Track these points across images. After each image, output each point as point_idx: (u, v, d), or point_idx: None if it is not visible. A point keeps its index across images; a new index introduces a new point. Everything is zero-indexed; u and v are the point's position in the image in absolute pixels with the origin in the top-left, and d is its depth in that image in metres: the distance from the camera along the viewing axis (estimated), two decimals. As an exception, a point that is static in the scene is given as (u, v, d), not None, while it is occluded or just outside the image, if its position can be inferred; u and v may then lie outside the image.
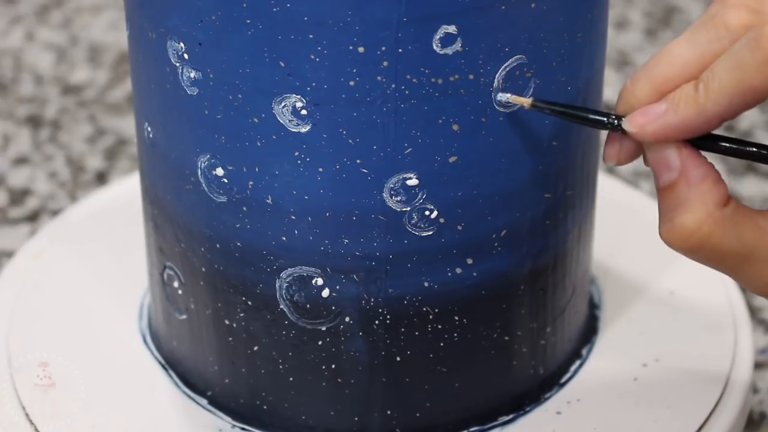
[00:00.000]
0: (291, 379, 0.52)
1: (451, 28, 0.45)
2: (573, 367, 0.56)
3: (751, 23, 0.42)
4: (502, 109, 0.47)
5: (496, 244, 0.50)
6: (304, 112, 0.46)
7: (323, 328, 0.50)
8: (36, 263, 0.62)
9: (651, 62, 0.43)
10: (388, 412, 0.52)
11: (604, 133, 0.47)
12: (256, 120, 0.47)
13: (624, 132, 0.44)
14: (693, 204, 0.42)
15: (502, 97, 0.47)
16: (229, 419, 0.54)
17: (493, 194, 0.49)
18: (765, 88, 0.41)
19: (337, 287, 0.49)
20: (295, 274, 0.49)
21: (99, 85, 0.88)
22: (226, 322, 0.52)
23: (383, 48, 0.45)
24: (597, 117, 0.45)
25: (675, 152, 0.43)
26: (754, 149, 0.43)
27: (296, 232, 0.48)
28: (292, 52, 0.45)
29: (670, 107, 0.42)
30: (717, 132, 0.44)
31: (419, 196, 0.48)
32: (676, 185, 0.43)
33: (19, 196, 0.77)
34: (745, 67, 0.40)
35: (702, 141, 0.43)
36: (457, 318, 0.51)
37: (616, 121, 0.45)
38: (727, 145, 0.43)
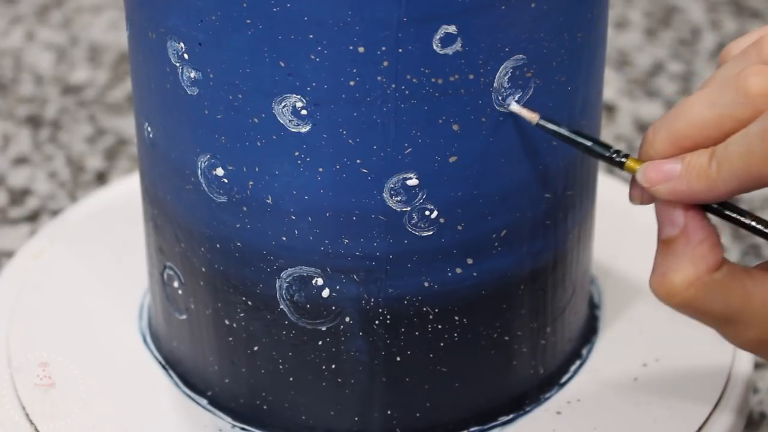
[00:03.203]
0: (291, 379, 0.52)
1: (451, 28, 0.45)
2: (573, 367, 0.56)
3: None
4: (502, 109, 0.47)
5: (496, 244, 0.50)
6: (304, 112, 0.46)
7: (323, 328, 0.50)
8: (36, 263, 0.62)
9: (671, 116, 0.44)
10: (388, 412, 0.52)
11: (604, 133, 0.47)
12: (256, 120, 0.47)
13: (623, 169, 0.45)
14: (686, 264, 0.44)
15: (512, 106, 0.47)
16: (229, 419, 0.54)
17: (493, 194, 0.49)
18: None
19: (337, 287, 0.49)
20: (295, 274, 0.49)
21: (99, 85, 0.88)
22: (226, 322, 0.52)
23: (383, 48, 0.45)
24: (600, 150, 0.46)
25: (681, 211, 0.44)
26: (760, 226, 0.44)
27: (296, 232, 0.48)
28: (292, 52, 0.45)
29: (682, 174, 0.43)
30: None
31: (419, 196, 0.48)
32: (675, 242, 0.44)
33: (19, 196, 0.77)
34: (754, 156, 0.41)
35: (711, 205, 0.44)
36: (457, 318, 0.51)
37: (616, 157, 0.46)
38: (734, 215, 0.44)
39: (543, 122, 0.47)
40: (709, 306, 0.44)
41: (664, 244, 0.44)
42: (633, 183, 0.46)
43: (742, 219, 0.44)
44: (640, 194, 0.46)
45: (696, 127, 0.43)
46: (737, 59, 0.44)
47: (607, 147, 0.46)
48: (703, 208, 0.44)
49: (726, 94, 0.43)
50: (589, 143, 0.46)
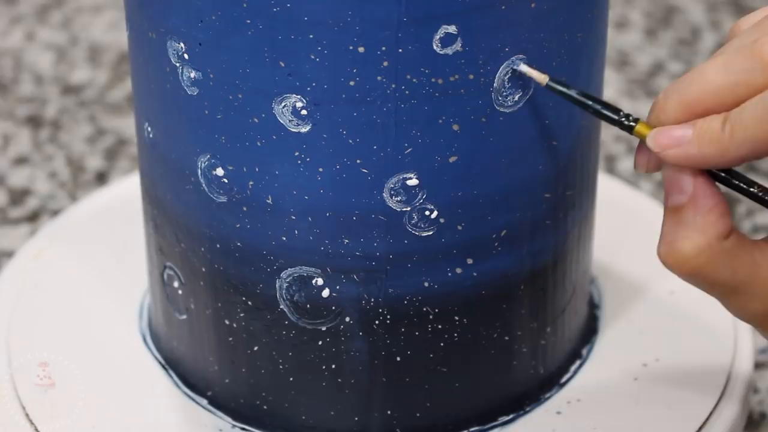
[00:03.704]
0: (291, 379, 0.52)
1: (451, 28, 0.45)
2: (573, 367, 0.56)
3: None
4: (502, 109, 0.47)
5: (496, 244, 0.50)
6: (304, 112, 0.46)
7: (323, 328, 0.50)
8: (36, 263, 0.62)
9: (684, 82, 0.44)
10: (388, 412, 0.52)
11: (604, 134, 0.47)
12: (256, 120, 0.47)
13: (632, 133, 0.45)
14: (695, 232, 0.43)
15: (522, 66, 0.46)
16: (229, 419, 0.54)
17: (493, 194, 0.49)
18: None
19: (337, 287, 0.49)
20: (295, 274, 0.49)
21: (99, 85, 0.88)
22: (226, 322, 0.52)
23: (383, 48, 0.45)
24: (610, 113, 0.45)
25: (689, 178, 0.44)
26: (754, 190, 0.44)
27: (296, 232, 0.48)
28: (292, 52, 0.45)
29: (694, 139, 0.43)
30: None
31: (419, 196, 0.48)
32: (684, 210, 0.44)
33: (19, 196, 0.77)
34: None
35: (719, 172, 0.44)
36: (457, 318, 0.51)
37: (625, 121, 0.45)
38: (741, 185, 0.44)
39: (552, 84, 0.46)
40: (717, 275, 0.43)
41: (672, 212, 0.44)
42: (639, 149, 0.46)
43: (750, 188, 0.44)
44: (645, 161, 0.45)
45: (709, 93, 0.43)
46: (752, 29, 0.44)
47: (617, 110, 0.45)
48: (711, 176, 0.44)
49: (741, 61, 0.42)
50: (598, 106, 0.46)
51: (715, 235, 0.43)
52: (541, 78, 0.46)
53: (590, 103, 0.46)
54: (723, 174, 0.44)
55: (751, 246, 0.44)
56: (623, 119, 0.45)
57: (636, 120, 0.45)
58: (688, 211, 0.43)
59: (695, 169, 0.44)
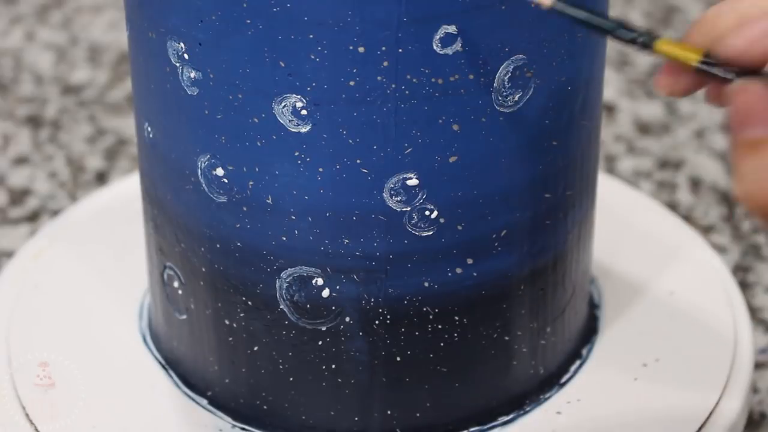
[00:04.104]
0: (291, 379, 0.52)
1: (451, 28, 0.45)
2: (573, 367, 0.56)
3: None
4: (502, 109, 0.47)
5: (496, 244, 0.50)
6: (304, 112, 0.46)
7: (323, 328, 0.50)
8: (36, 263, 0.62)
9: None
10: (388, 412, 0.52)
11: (604, 134, 0.47)
12: (256, 120, 0.47)
13: (653, 51, 0.41)
14: None
15: None
16: (229, 419, 0.54)
17: (493, 194, 0.49)
18: None
19: (337, 287, 0.49)
20: (295, 274, 0.49)
21: (99, 85, 0.88)
22: (226, 322, 0.52)
23: (383, 48, 0.45)
24: (625, 32, 0.41)
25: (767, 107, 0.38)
26: None
27: (296, 232, 0.48)
28: (292, 52, 0.45)
29: None
30: None
31: (419, 196, 0.48)
32: (765, 145, 0.38)
33: (19, 196, 0.77)
34: None
35: None
36: (457, 318, 0.51)
37: (644, 39, 0.41)
38: None
39: (559, 6, 0.43)
40: None
41: (747, 147, 0.38)
42: (667, 70, 0.41)
43: None
44: (672, 83, 0.41)
45: (765, 6, 0.39)
46: None
47: (632, 30, 0.41)
48: None
49: None
50: (612, 26, 0.42)
51: None
52: (545, 1, 0.43)
53: (601, 23, 0.42)
54: None
55: None
56: (638, 38, 0.41)
57: (655, 38, 0.41)
58: None
59: None
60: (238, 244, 0.50)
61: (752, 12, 0.40)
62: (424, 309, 0.50)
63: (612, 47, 0.89)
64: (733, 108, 0.39)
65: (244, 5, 0.45)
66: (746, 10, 0.40)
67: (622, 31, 0.42)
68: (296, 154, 0.47)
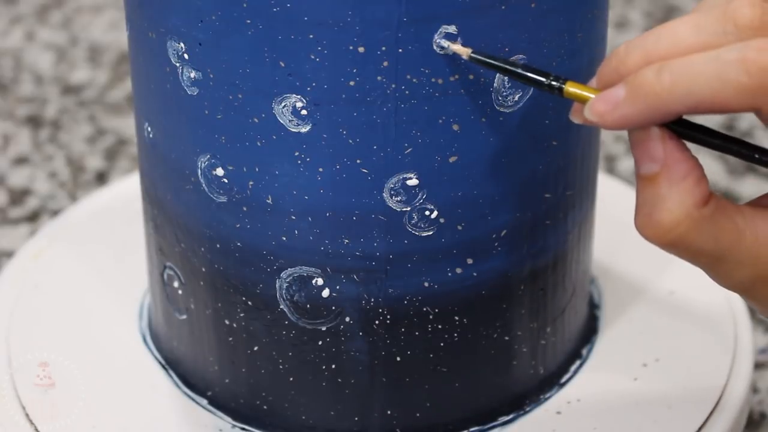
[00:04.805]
0: (291, 379, 0.52)
1: (451, 28, 0.45)
2: (573, 367, 0.56)
3: (761, 24, 0.40)
4: (502, 109, 0.47)
5: (496, 244, 0.50)
6: (304, 112, 0.46)
7: (323, 328, 0.50)
8: (36, 263, 0.62)
9: (651, 37, 0.41)
10: (388, 412, 0.52)
11: (604, 134, 0.47)
12: (256, 120, 0.47)
13: (562, 95, 0.43)
14: (672, 202, 0.41)
15: (443, 42, 0.45)
16: (229, 419, 0.54)
17: (493, 194, 0.49)
18: (739, 110, 0.39)
19: (337, 287, 0.49)
20: (295, 274, 0.49)
21: (99, 85, 0.88)
22: (226, 322, 0.52)
23: (383, 48, 0.45)
24: (536, 77, 0.43)
25: (659, 144, 0.41)
26: (734, 147, 0.42)
27: (296, 232, 0.48)
28: (292, 52, 0.45)
29: (628, 96, 0.40)
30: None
31: (419, 196, 0.48)
32: (657, 179, 0.41)
33: (19, 196, 0.77)
34: (726, 86, 0.39)
35: (683, 128, 0.42)
36: (457, 318, 0.51)
37: (555, 84, 0.43)
38: (708, 138, 0.42)
39: (476, 55, 0.45)
40: (699, 243, 0.41)
41: (645, 181, 0.41)
42: (574, 110, 0.43)
43: (714, 140, 0.41)
44: (582, 119, 0.42)
45: (677, 52, 0.40)
46: None
47: (546, 74, 0.43)
48: (678, 134, 0.41)
49: (714, 23, 0.40)
50: (525, 73, 0.44)
51: (693, 203, 0.41)
52: (464, 51, 0.45)
53: (518, 71, 0.44)
54: (685, 129, 0.41)
55: (733, 211, 0.41)
56: (552, 82, 0.43)
57: (565, 81, 0.43)
58: (662, 180, 0.41)
59: (663, 133, 0.41)
60: (238, 244, 0.50)
61: (657, 49, 0.41)
62: (424, 309, 0.50)
63: (612, 48, 0.89)
64: (632, 149, 0.42)
65: (244, 5, 0.45)
66: (652, 48, 0.41)
67: (531, 75, 0.44)
68: (296, 154, 0.47)
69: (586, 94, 0.42)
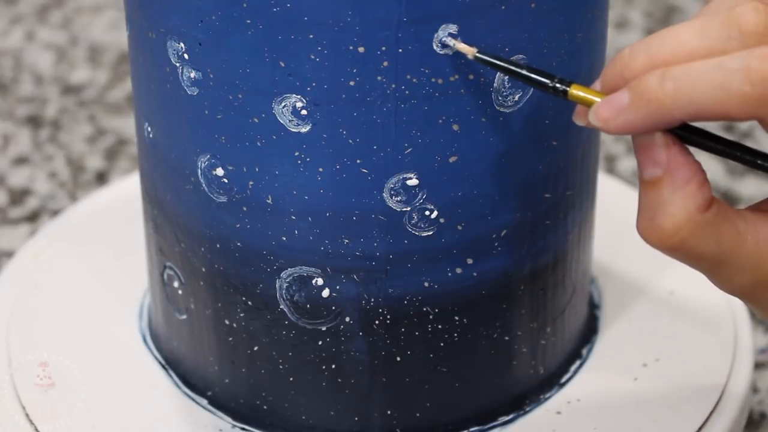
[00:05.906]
0: (291, 379, 0.52)
1: (452, 28, 0.45)
2: (573, 367, 0.56)
3: (766, 30, 0.40)
4: (502, 109, 0.47)
5: (496, 244, 0.50)
6: (304, 112, 0.46)
7: (323, 328, 0.50)
8: (36, 263, 0.62)
9: (655, 40, 0.41)
10: (388, 412, 0.52)
11: (605, 134, 0.46)
12: (256, 120, 0.47)
13: (566, 98, 0.43)
14: (675, 207, 0.41)
15: (449, 41, 0.45)
16: (229, 419, 0.54)
17: (493, 194, 0.49)
18: (741, 119, 0.40)
19: (337, 287, 0.49)
20: (295, 274, 0.49)
21: (99, 85, 0.88)
22: (226, 322, 0.52)
23: (383, 48, 0.45)
24: (540, 78, 0.44)
25: (662, 149, 0.41)
26: (738, 153, 0.42)
27: (296, 232, 0.48)
28: (292, 52, 0.45)
29: (631, 103, 0.41)
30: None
31: (419, 196, 0.48)
32: (660, 184, 0.42)
33: (19, 196, 0.77)
34: (729, 95, 0.39)
35: (687, 133, 0.42)
36: (457, 318, 0.51)
37: (559, 86, 0.43)
38: (712, 144, 0.42)
39: (481, 55, 0.45)
40: (701, 248, 0.41)
41: (648, 185, 0.42)
42: (578, 112, 0.43)
43: (717, 146, 0.42)
44: (585, 122, 0.43)
45: (681, 56, 0.40)
46: None
47: (551, 77, 0.44)
48: (682, 139, 0.42)
49: (719, 28, 0.40)
50: (531, 74, 0.44)
51: (696, 208, 0.41)
52: (469, 50, 0.45)
53: (522, 72, 0.44)
54: (689, 134, 0.42)
55: (735, 216, 0.42)
56: (557, 84, 0.43)
57: (570, 83, 0.43)
58: (665, 184, 0.41)
59: (667, 138, 0.41)
60: (238, 244, 0.50)
61: (661, 53, 0.41)
62: (424, 309, 0.50)
63: (612, 48, 0.89)
64: (636, 153, 0.42)
65: (244, 5, 0.45)
66: (656, 52, 0.41)
67: (536, 76, 0.44)
68: (296, 154, 0.47)
69: (590, 97, 0.42)
